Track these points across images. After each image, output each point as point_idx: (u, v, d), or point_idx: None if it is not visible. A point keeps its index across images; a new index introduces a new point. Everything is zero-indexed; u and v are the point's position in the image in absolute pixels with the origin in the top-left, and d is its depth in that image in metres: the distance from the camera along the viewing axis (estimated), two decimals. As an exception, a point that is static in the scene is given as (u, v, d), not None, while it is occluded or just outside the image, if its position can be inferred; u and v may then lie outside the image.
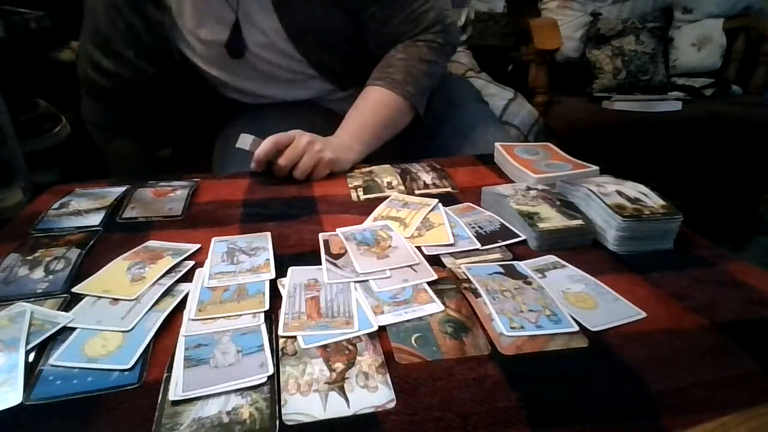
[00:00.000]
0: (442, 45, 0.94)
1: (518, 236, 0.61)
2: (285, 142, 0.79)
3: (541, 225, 0.59)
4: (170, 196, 0.74)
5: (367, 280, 0.52)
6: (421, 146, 1.01)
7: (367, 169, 0.84)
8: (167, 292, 0.50)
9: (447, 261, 0.56)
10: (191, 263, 0.56)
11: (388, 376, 0.40)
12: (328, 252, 0.57)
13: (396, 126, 0.93)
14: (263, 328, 0.45)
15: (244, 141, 0.80)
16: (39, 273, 0.54)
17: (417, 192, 0.75)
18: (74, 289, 0.51)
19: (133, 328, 0.45)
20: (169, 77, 0.97)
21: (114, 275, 0.53)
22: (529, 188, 0.69)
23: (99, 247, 0.60)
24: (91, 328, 0.45)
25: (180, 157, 1.36)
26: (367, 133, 0.89)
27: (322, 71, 0.98)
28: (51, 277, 0.54)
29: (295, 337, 0.44)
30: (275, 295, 0.50)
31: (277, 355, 0.42)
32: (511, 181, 0.77)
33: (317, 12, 0.89)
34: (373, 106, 0.90)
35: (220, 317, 0.46)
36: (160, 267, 0.54)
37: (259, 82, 0.99)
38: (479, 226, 0.63)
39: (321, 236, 0.61)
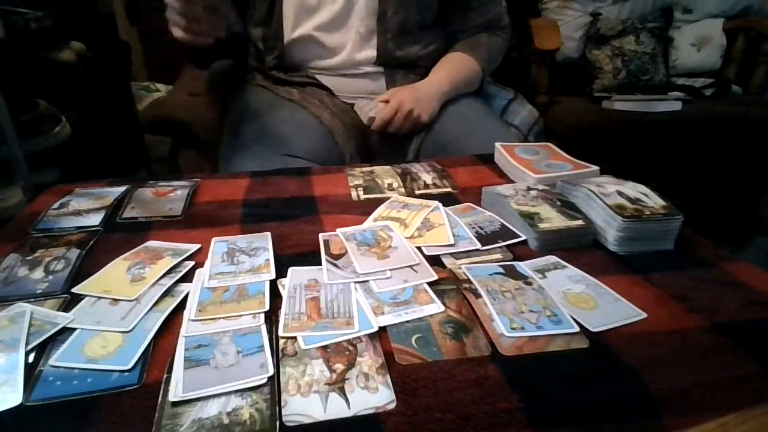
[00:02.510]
0: (506, 41, 1.16)
1: (518, 236, 0.61)
2: (392, 113, 0.96)
3: (542, 225, 0.59)
4: (170, 196, 0.74)
5: (368, 281, 0.52)
6: (423, 136, 1.03)
7: (368, 168, 0.84)
8: (167, 293, 0.50)
9: (447, 261, 0.56)
10: (191, 263, 0.56)
11: (388, 376, 0.39)
12: (328, 252, 0.57)
13: (468, 90, 1.11)
14: (263, 329, 0.44)
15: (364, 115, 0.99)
16: (39, 273, 0.54)
17: (417, 192, 0.75)
18: (74, 290, 0.51)
19: (133, 329, 0.45)
20: None
21: (114, 275, 0.53)
22: (529, 188, 0.69)
23: (99, 247, 0.60)
24: (91, 329, 0.45)
25: (179, 154, 1.35)
26: (456, 85, 1.05)
27: (380, 28, 1.01)
28: (51, 277, 0.54)
29: (295, 338, 0.44)
30: (275, 296, 0.50)
31: (277, 355, 0.42)
32: (512, 181, 0.77)
33: None
34: (467, 68, 1.08)
35: (220, 318, 0.46)
36: (160, 267, 0.54)
37: (329, 13, 1.00)
38: (479, 227, 0.63)
39: (321, 236, 0.61)
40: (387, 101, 0.99)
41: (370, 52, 1.03)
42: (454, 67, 1.07)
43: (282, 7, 1.00)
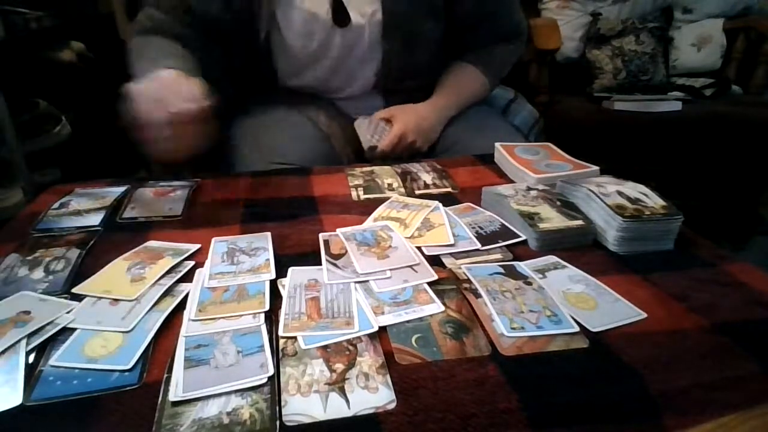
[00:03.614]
0: (521, 46, 1.10)
1: (518, 236, 0.61)
2: (394, 142, 0.93)
3: (542, 225, 0.59)
4: (170, 196, 0.74)
5: (368, 281, 0.52)
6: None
7: (368, 168, 0.84)
8: (167, 293, 0.50)
9: (447, 261, 0.56)
10: (191, 263, 0.56)
11: (388, 376, 0.39)
12: (328, 252, 0.57)
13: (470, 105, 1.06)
14: (263, 329, 0.44)
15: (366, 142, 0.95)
16: (39, 273, 0.54)
17: (417, 192, 0.75)
18: (74, 290, 0.51)
19: (133, 329, 0.45)
20: (241, 21, 0.90)
21: (114, 275, 0.53)
22: (529, 188, 0.69)
23: (99, 247, 0.60)
24: (91, 329, 0.45)
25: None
26: (461, 107, 1.02)
27: (382, 73, 0.97)
28: (51, 277, 0.54)
29: (295, 338, 0.44)
30: (275, 296, 0.50)
31: (277, 355, 0.42)
32: (511, 181, 0.77)
33: (422, 8, 0.92)
34: (474, 83, 1.04)
35: (220, 318, 0.46)
36: (160, 267, 0.54)
37: (326, 66, 0.96)
38: (479, 227, 0.63)
39: (321, 236, 0.61)
40: (387, 120, 0.95)
41: (370, 90, 1.01)
42: (462, 85, 1.03)
43: (274, 62, 0.95)
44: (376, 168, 0.84)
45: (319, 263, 0.55)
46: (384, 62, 0.95)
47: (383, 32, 0.92)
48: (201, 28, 0.88)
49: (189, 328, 0.45)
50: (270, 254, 0.56)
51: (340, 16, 0.89)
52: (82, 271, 0.55)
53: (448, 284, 0.52)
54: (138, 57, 0.83)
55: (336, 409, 0.37)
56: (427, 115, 0.97)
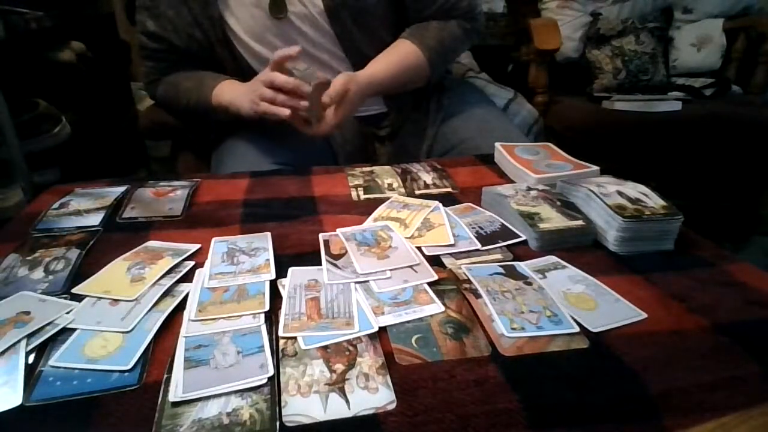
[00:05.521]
0: (470, 31, 1.02)
1: (519, 236, 0.61)
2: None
3: (542, 225, 0.59)
4: (170, 196, 0.74)
5: (368, 281, 0.52)
6: (432, 138, 1.02)
7: (368, 168, 0.84)
8: (167, 293, 0.50)
9: (447, 261, 0.56)
10: (191, 263, 0.56)
11: (388, 377, 0.39)
12: (328, 252, 0.57)
13: (408, 85, 1.00)
14: (263, 329, 0.44)
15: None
16: (39, 273, 0.54)
17: (417, 192, 0.75)
18: (74, 290, 0.51)
19: (133, 329, 0.45)
20: (207, 48, 0.95)
21: (114, 275, 0.53)
22: (529, 188, 0.69)
23: (99, 247, 0.60)
24: (91, 329, 0.45)
25: (178, 153, 1.35)
26: (386, 87, 0.96)
27: (350, 52, 0.97)
28: (51, 277, 0.54)
29: (295, 338, 0.44)
30: (275, 296, 0.50)
31: (277, 356, 0.42)
32: (512, 181, 0.77)
33: None
34: (402, 62, 0.96)
35: (220, 318, 0.46)
36: (160, 267, 0.54)
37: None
38: (479, 227, 0.63)
39: (321, 236, 0.61)
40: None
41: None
42: (396, 59, 0.95)
43: (245, 62, 0.95)
44: (376, 168, 0.84)
45: (319, 263, 0.55)
46: (344, 46, 0.95)
47: (328, 16, 0.92)
48: (188, 58, 0.97)
49: (189, 328, 0.45)
50: (270, 254, 0.56)
51: (276, 6, 0.90)
52: (82, 271, 0.55)
53: (449, 284, 0.52)
54: (183, 92, 0.96)
55: (336, 409, 0.37)
56: (361, 85, 0.90)
